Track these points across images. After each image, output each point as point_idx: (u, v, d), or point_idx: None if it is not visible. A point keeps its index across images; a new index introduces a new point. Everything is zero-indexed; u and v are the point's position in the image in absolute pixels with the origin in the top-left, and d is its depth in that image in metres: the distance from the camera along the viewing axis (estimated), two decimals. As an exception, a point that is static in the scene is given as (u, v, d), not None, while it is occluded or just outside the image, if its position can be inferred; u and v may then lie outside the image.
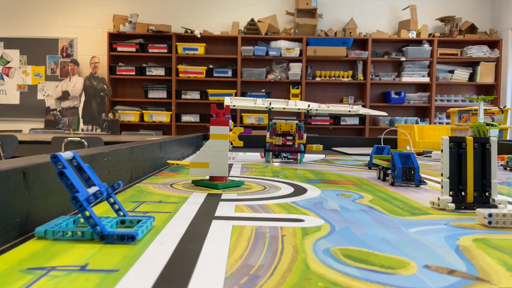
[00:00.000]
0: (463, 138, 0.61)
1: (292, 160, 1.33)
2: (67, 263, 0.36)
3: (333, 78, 4.62)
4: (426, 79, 4.64)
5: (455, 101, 4.69)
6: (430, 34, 4.76)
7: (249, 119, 4.53)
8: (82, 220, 0.48)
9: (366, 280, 0.33)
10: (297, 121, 1.25)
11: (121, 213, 0.49)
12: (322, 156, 1.69)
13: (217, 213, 0.57)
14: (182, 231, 0.47)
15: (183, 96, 4.59)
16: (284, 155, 1.31)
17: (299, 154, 1.24)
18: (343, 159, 1.52)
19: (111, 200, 0.49)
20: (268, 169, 1.17)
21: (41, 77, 4.78)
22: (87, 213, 0.41)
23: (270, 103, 1.33)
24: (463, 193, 0.61)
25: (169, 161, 0.99)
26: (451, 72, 4.72)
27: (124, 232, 0.41)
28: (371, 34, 4.76)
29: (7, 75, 4.77)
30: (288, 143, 1.24)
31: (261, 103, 1.36)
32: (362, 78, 4.63)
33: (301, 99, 4.53)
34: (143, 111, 4.58)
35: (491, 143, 0.60)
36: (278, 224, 0.51)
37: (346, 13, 4.85)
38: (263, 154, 1.80)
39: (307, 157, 1.70)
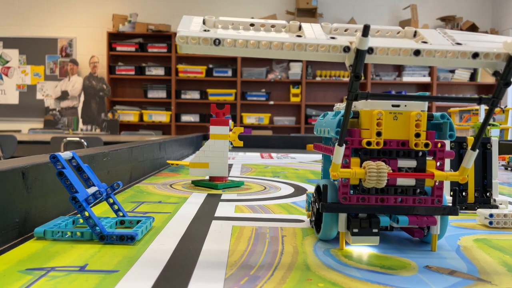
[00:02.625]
0: (464, 138, 0.60)
1: (413, 239, 0.48)
2: (66, 263, 0.35)
3: (334, 78, 4.62)
4: (427, 79, 4.64)
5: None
6: (430, 34, 4.75)
7: (249, 119, 4.53)
8: (81, 221, 0.48)
9: (366, 281, 0.33)
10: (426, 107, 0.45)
11: (121, 214, 0.49)
12: (322, 156, 1.68)
13: (217, 213, 0.57)
14: (182, 232, 0.47)
15: (182, 96, 4.59)
16: (394, 224, 0.42)
17: (438, 220, 0.42)
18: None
19: (111, 200, 0.49)
20: (268, 169, 1.17)
21: (40, 77, 4.78)
22: (87, 214, 0.41)
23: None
24: (464, 193, 0.60)
25: (168, 161, 0.98)
26: (452, 72, 4.72)
27: (124, 233, 0.41)
28: (371, 33, 4.74)
29: (6, 75, 4.77)
30: (401, 181, 0.41)
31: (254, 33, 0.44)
32: (362, 77, 4.63)
33: (301, 100, 4.53)
34: (142, 111, 4.58)
35: (492, 143, 0.60)
36: (278, 225, 0.51)
37: (347, 13, 4.85)
38: (263, 154, 1.79)
39: (307, 157, 1.70)
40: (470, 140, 0.60)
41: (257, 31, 0.37)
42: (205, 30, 0.34)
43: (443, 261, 0.38)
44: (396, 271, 0.35)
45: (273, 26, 0.37)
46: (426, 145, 0.39)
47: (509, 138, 1.57)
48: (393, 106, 0.40)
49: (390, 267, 0.36)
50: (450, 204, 0.41)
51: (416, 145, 0.39)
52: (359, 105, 0.41)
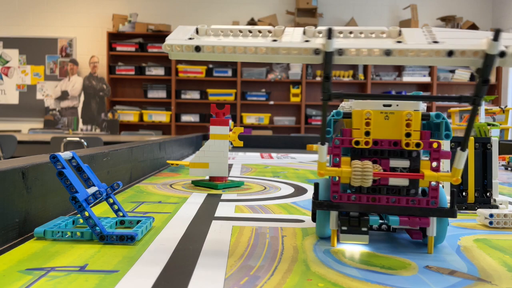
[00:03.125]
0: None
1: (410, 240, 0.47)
2: (66, 263, 0.35)
3: (334, 78, 4.61)
4: (427, 79, 4.64)
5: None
6: (430, 34, 4.75)
7: (249, 119, 4.53)
8: (81, 221, 0.48)
9: (366, 281, 0.33)
10: (423, 106, 0.43)
11: (121, 214, 0.49)
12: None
13: (217, 214, 0.57)
14: (182, 232, 0.47)
15: (182, 96, 4.59)
16: (382, 222, 0.43)
17: (432, 222, 0.40)
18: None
19: (111, 200, 0.49)
20: (268, 169, 1.17)
21: (40, 77, 4.78)
22: (86, 214, 0.41)
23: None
24: (464, 193, 0.60)
25: (168, 161, 0.98)
26: (452, 71, 4.72)
27: (124, 233, 0.41)
28: (371, 33, 4.74)
29: (6, 75, 4.77)
30: (393, 180, 0.40)
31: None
32: (362, 77, 4.63)
33: (301, 100, 4.53)
34: (142, 111, 4.58)
35: (492, 143, 0.60)
36: (278, 225, 0.51)
37: (347, 13, 4.85)
38: (263, 154, 1.79)
39: (307, 157, 1.70)
40: (470, 140, 0.60)
41: (245, 36, 0.38)
42: (189, 38, 0.37)
43: (443, 261, 0.38)
44: (396, 271, 0.35)
45: (260, 31, 0.38)
46: (417, 145, 0.39)
47: (509, 138, 1.57)
48: (384, 106, 0.40)
49: (390, 267, 0.36)
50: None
51: (407, 144, 0.39)
52: (353, 105, 0.41)
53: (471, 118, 0.34)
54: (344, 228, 0.40)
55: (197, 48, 0.36)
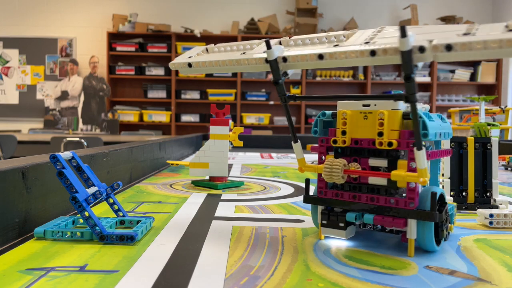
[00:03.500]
0: (464, 138, 0.60)
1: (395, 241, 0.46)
2: (66, 263, 0.35)
3: (334, 78, 4.61)
4: (427, 79, 4.64)
5: (456, 101, 4.69)
6: (430, 34, 4.74)
7: (249, 119, 4.53)
8: (81, 221, 0.48)
9: (366, 281, 0.33)
10: (406, 106, 0.41)
11: (121, 214, 0.49)
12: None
13: (217, 214, 0.57)
14: (182, 232, 0.47)
15: (182, 96, 4.59)
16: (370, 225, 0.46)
17: (410, 224, 0.39)
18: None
19: (111, 200, 0.49)
20: (268, 169, 1.17)
21: (40, 77, 4.77)
22: (86, 214, 0.41)
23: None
24: (464, 193, 0.60)
25: (168, 161, 0.98)
26: (452, 71, 4.72)
27: (124, 233, 0.41)
28: (371, 33, 4.74)
29: (6, 75, 4.77)
30: (372, 180, 0.40)
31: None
32: (362, 77, 4.63)
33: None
34: (142, 111, 4.58)
35: (492, 143, 0.60)
36: (278, 225, 0.51)
37: (347, 13, 4.85)
38: (263, 154, 1.79)
39: (308, 157, 1.69)
40: (470, 140, 0.60)
41: (231, 51, 0.47)
42: (189, 57, 0.48)
43: (443, 261, 0.38)
44: (396, 271, 0.35)
45: (251, 46, 0.46)
46: (389, 144, 0.39)
47: (509, 138, 1.57)
48: (363, 105, 0.41)
49: (390, 267, 0.36)
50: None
51: (380, 144, 0.39)
52: (337, 105, 0.43)
53: (414, 116, 0.35)
54: (324, 222, 0.42)
55: (189, 65, 0.47)
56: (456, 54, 0.32)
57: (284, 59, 0.39)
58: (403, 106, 0.39)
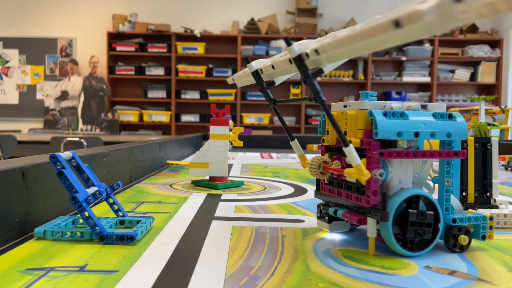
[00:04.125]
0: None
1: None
2: (66, 263, 0.35)
3: (334, 78, 4.62)
4: (427, 79, 4.63)
5: (456, 101, 4.69)
6: (430, 34, 4.75)
7: (249, 119, 4.53)
8: (81, 221, 0.48)
9: (366, 281, 0.33)
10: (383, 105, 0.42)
11: (121, 214, 0.49)
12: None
13: (217, 214, 0.57)
14: (182, 232, 0.47)
15: (182, 96, 4.59)
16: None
17: (369, 222, 0.39)
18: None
19: (111, 200, 0.49)
20: (268, 169, 1.17)
21: (40, 76, 4.77)
22: (86, 214, 0.41)
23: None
24: (464, 193, 0.60)
25: (168, 161, 0.98)
26: (452, 71, 4.72)
27: (124, 233, 0.41)
28: (371, 33, 4.74)
29: (6, 75, 4.77)
30: (348, 179, 0.42)
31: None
32: (362, 77, 4.63)
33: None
34: (142, 111, 4.58)
35: (492, 143, 0.60)
36: (278, 225, 0.51)
37: (347, 13, 4.85)
38: (263, 154, 1.79)
39: (307, 157, 1.69)
40: (470, 140, 0.60)
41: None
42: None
43: (443, 261, 0.38)
44: (396, 271, 0.35)
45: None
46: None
47: (509, 138, 1.57)
48: (344, 106, 0.44)
49: (390, 267, 0.36)
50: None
51: None
52: (331, 107, 0.46)
53: (328, 114, 0.36)
54: (318, 214, 0.47)
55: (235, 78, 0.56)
56: (327, 55, 0.34)
57: (261, 70, 0.46)
58: (370, 105, 0.40)
